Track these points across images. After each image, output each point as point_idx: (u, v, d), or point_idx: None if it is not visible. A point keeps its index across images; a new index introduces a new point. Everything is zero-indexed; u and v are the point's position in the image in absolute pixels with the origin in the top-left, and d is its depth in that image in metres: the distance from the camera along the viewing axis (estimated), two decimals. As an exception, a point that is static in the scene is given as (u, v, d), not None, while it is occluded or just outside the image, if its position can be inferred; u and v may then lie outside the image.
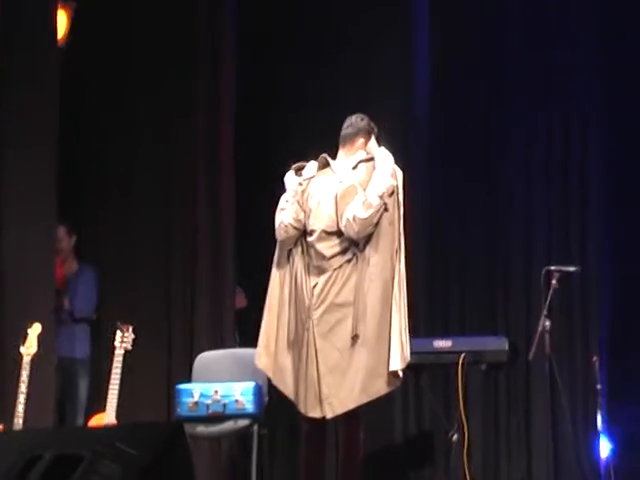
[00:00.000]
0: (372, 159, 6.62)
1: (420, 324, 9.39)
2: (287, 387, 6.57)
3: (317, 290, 6.49)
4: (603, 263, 9.49)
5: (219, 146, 9.01)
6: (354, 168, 6.63)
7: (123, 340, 7.80)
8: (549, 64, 9.68)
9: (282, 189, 6.80)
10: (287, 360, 6.59)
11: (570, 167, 9.58)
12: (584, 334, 9.37)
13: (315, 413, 6.41)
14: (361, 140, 6.73)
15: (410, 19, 9.89)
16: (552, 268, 8.21)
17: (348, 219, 6.42)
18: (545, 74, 9.70)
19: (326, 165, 6.72)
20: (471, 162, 9.79)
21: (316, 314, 6.46)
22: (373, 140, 6.76)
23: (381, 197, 6.41)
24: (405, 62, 9.86)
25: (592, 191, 9.54)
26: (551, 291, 8.05)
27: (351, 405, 6.37)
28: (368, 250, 6.45)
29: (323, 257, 6.51)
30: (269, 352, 6.63)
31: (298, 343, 6.53)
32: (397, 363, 6.36)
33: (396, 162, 6.87)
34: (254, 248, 8.96)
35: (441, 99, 9.81)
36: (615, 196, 9.62)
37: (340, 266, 6.47)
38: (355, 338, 6.38)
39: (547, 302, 8.02)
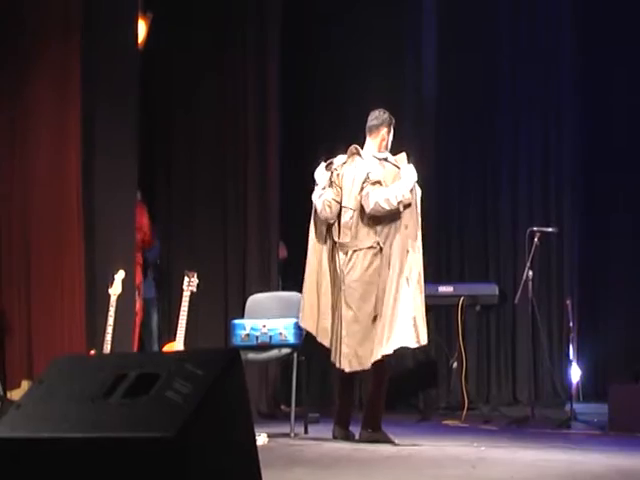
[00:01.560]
0: (399, 168, 6.57)
1: (428, 273, 9.40)
2: (328, 343, 6.61)
3: (343, 265, 6.50)
4: (576, 226, 9.49)
5: (267, 116, 9.00)
6: (381, 164, 6.58)
7: (189, 284, 7.83)
8: (532, 46, 9.69)
9: (313, 182, 6.72)
10: (327, 322, 6.61)
11: (549, 149, 9.57)
12: (560, 282, 9.39)
13: (339, 365, 6.48)
14: (384, 129, 6.68)
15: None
16: (535, 229, 8.23)
17: (368, 193, 6.42)
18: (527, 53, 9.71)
19: (355, 153, 6.67)
20: (469, 141, 9.79)
21: (344, 286, 6.48)
22: (390, 137, 6.69)
23: (399, 203, 6.40)
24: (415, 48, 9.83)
25: (566, 167, 9.54)
26: (534, 247, 8.07)
27: (367, 365, 6.40)
28: (388, 244, 6.41)
29: (349, 237, 6.51)
30: (312, 315, 6.64)
31: (334, 307, 6.58)
32: (412, 342, 6.35)
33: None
34: (294, 210, 8.99)
35: (445, 80, 9.76)
36: (586, 172, 9.61)
37: (361, 249, 6.47)
38: (376, 317, 6.39)
39: (530, 256, 8.05)
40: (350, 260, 6.47)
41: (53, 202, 7.66)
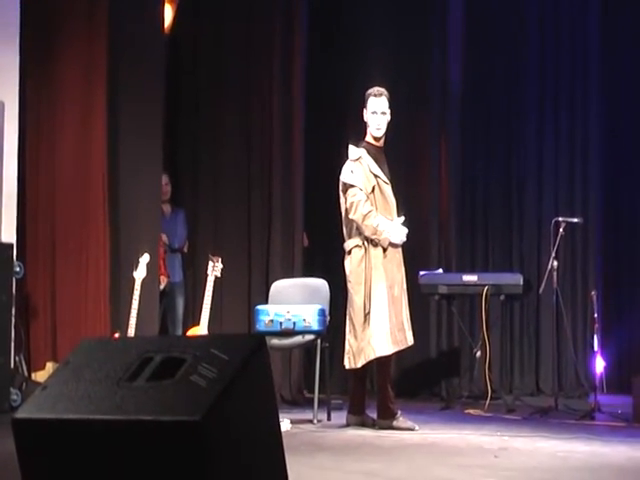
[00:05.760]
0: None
1: (452, 262, 9.41)
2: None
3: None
4: (601, 216, 9.43)
5: (292, 102, 8.98)
6: (351, 166, 6.60)
7: (214, 269, 7.86)
8: (558, 41, 9.60)
9: None
10: None
11: (575, 139, 9.50)
12: (585, 273, 9.34)
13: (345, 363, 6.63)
14: (364, 112, 6.72)
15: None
16: (560, 219, 8.18)
17: (356, 207, 6.50)
18: (554, 51, 9.63)
19: None
20: (494, 130, 9.73)
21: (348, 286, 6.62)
22: (369, 115, 6.67)
23: (372, 234, 6.49)
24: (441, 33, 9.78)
25: (592, 158, 9.47)
26: (559, 237, 8.03)
27: (363, 361, 6.49)
28: (374, 243, 6.51)
29: (344, 239, 6.63)
30: None
31: None
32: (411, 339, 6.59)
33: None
34: (318, 199, 8.98)
35: (471, 71, 9.71)
36: (611, 162, 9.56)
37: (349, 251, 6.55)
38: (367, 315, 6.43)
39: (555, 246, 8.00)
40: (345, 261, 6.61)
41: (79, 185, 7.70)
